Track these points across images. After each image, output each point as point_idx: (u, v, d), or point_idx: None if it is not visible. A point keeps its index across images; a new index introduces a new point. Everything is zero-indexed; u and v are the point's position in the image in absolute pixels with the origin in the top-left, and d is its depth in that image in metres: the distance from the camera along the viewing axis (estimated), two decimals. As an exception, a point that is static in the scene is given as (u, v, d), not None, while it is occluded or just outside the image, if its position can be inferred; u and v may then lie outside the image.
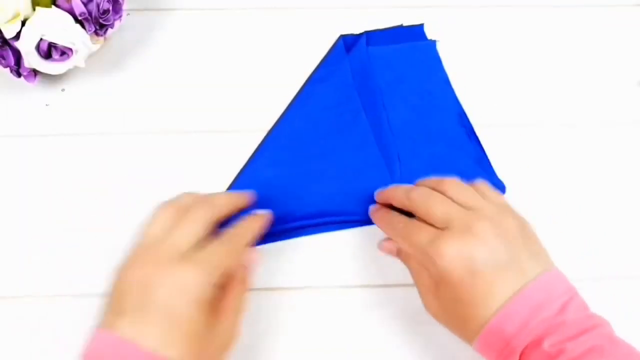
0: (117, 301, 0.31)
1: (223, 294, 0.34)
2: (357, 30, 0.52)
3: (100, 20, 0.46)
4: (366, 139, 0.46)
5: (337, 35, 0.52)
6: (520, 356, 0.31)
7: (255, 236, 0.37)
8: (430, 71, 0.50)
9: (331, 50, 0.51)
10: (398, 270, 0.42)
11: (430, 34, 0.52)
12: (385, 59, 0.50)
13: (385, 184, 0.44)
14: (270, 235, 0.42)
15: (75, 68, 0.48)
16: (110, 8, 0.47)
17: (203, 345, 0.31)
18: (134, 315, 0.30)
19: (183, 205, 0.35)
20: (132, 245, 0.34)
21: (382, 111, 0.47)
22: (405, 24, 0.53)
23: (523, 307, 0.31)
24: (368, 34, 0.52)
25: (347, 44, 0.51)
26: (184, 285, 0.30)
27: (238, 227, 0.36)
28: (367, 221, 0.42)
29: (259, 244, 0.41)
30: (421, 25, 0.52)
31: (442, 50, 0.51)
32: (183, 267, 0.31)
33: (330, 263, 0.43)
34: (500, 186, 0.45)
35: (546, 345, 0.30)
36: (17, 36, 0.44)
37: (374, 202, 0.42)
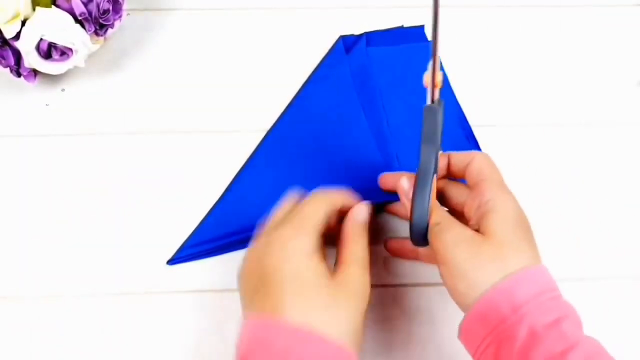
0: (253, 292, 0.33)
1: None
2: (357, 30, 0.52)
3: (100, 20, 0.46)
4: (365, 139, 0.46)
5: (337, 36, 0.51)
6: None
7: (340, 195, 0.37)
8: (430, 72, 0.50)
9: (331, 51, 0.51)
10: (398, 271, 0.42)
11: (430, 34, 0.52)
12: (385, 59, 0.50)
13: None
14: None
15: (75, 68, 0.48)
16: (110, 8, 0.47)
17: (331, 295, 0.31)
18: (263, 296, 0.31)
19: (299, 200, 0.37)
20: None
21: (381, 112, 0.47)
22: (406, 24, 0.53)
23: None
24: (368, 34, 0.51)
25: (346, 44, 0.51)
26: (284, 245, 0.32)
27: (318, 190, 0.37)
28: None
29: None
30: (421, 27, 0.52)
31: (442, 51, 0.51)
32: (280, 231, 0.33)
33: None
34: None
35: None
36: (17, 36, 0.44)
37: (372, 201, 0.42)
